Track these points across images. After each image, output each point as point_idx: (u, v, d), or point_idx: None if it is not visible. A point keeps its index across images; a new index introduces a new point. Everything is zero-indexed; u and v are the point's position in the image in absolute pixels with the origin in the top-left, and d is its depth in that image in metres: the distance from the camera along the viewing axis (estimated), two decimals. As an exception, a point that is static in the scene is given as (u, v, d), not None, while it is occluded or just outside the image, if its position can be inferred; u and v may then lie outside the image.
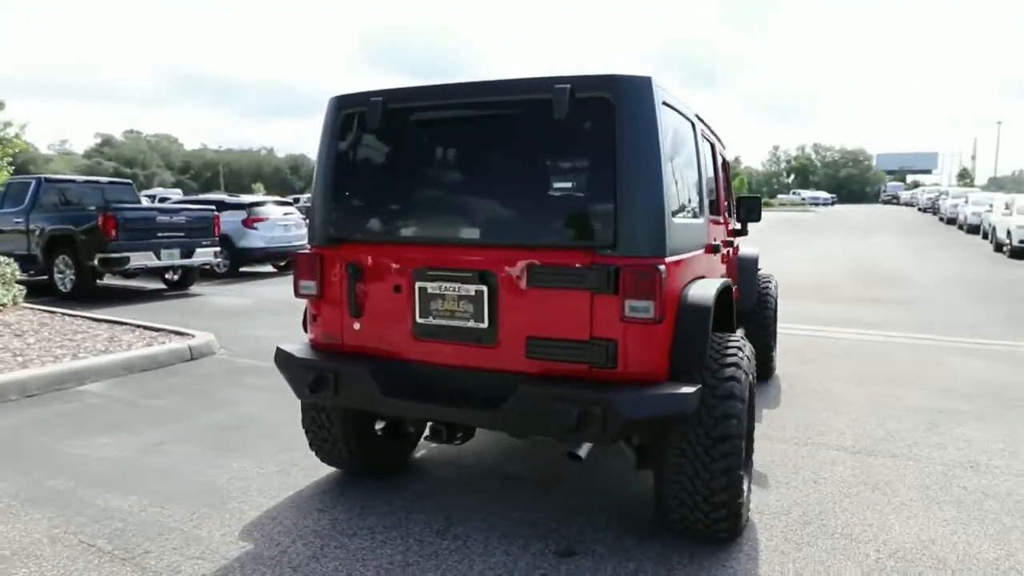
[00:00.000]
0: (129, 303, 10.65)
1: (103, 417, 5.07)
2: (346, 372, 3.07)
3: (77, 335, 7.49)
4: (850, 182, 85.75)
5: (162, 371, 6.47)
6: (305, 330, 3.63)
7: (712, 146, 4.28)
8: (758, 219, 5.17)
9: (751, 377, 3.05)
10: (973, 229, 24.01)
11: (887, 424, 4.84)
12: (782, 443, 4.46)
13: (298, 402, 5.32)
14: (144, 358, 6.59)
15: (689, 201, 3.25)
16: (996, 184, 63.76)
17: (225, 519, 3.44)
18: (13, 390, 5.53)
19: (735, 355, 2.98)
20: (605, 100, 2.68)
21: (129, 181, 13.59)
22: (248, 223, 14.11)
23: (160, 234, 11.16)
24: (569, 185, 2.86)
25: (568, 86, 2.70)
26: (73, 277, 10.89)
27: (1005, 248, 17.44)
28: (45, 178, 12.13)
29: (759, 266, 5.64)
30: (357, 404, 3.21)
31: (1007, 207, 18.18)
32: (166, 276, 12.23)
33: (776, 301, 6.00)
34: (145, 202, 17.43)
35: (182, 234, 11.46)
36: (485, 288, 2.85)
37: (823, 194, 65.57)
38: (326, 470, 4.04)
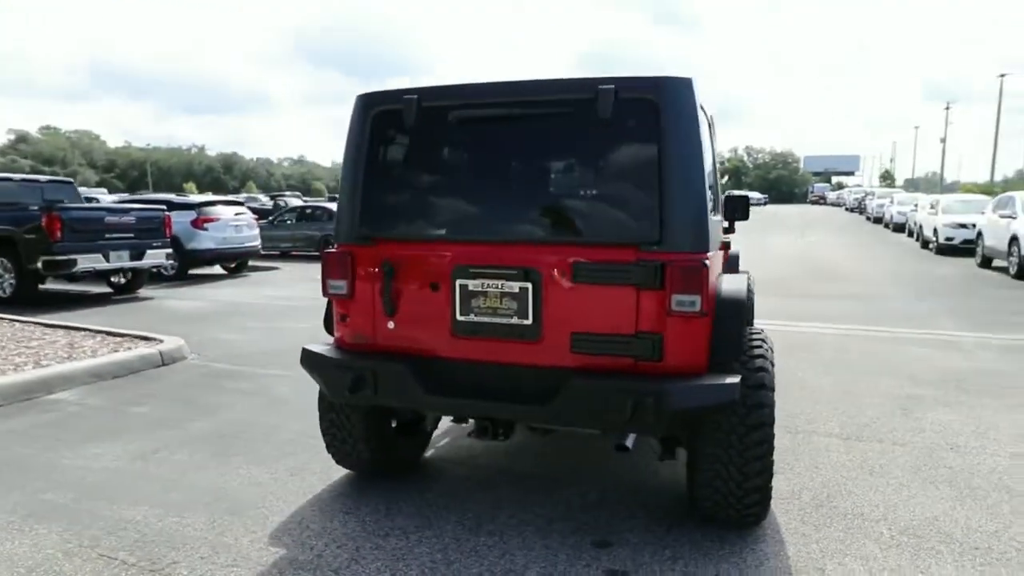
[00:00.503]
0: (77, 308, 10.14)
1: (86, 426, 4.84)
2: (385, 371, 3.06)
3: (33, 342, 7.11)
4: (780, 183, 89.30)
5: (134, 378, 6.22)
6: (328, 331, 3.58)
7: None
8: (745, 217, 5.38)
9: (775, 367, 3.20)
10: (899, 227, 25.40)
11: (866, 412, 5.12)
12: (775, 431, 4.65)
13: (290, 407, 5.32)
14: (114, 365, 6.31)
15: (714, 199, 3.38)
16: (912, 185, 67.65)
17: (249, 525, 3.36)
18: (-21, 401, 5.21)
19: (761, 346, 3.12)
20: (649, 101, 2.77)
21: (70, 180, 12.92)
22: (198, 224, 13.63)
23: (108, 235, 10.67)
24: (612, 183, 2.93)
25: (613, 87, 2.78)
26: (13, 281, 10.28)
27: (931, 245, 18.57)
28: (-22, 176, 11.42)
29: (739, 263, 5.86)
30: (397, 403, 3.20)
31: (932, 207, 19.34)
32: (111, 279, 11.70)
33: (754, 296, 6.24)
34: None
35: (131, 235, 10.98)
36: (529, 285, 2.89)
37: (756, 194, 68.01)
38: (338, 473, 3.99)
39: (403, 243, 3.14)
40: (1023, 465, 4.06)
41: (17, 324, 8.03)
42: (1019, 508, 3.51)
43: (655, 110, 2.76)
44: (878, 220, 30.87)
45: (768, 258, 16.55)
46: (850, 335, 7.95)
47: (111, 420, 4.99)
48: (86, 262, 10.31)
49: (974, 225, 15.86)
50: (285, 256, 18.40)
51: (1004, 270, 13.28)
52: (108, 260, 10.61)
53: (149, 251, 11.20)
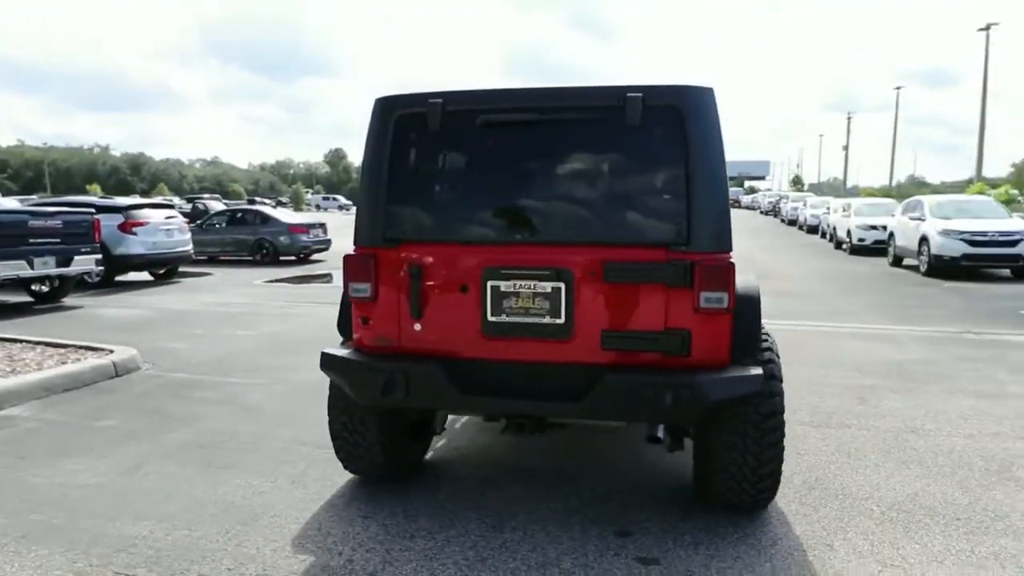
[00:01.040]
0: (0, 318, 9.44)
1: (49, 443, 4.56)
2: (418, 373, 3.07)
3: (-36, 356, 6.59)
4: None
5: (88, 390, 5.88)
6: (343, 333, 3.54)
7: None
8: None
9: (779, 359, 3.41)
10: (812, 229, 26.97)
11: (828, 401, 5.48)
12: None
13: (267, 415, 5.19)
14: (65, 377, 5.95)
15: None
16: (816, 189, 71.84)
17: (267, 536, 3.28)
18: (-78, 420, 4.81)
19: (767, 340, 3.33)
20: (674, 108, 2.91)
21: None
22: (126, 228, 12.93)
23: (32, 240, 9.98)
24: (640, 186, 3.05)
25: (640, 95, 2.90)
26: (-77, 291, 9.45)
27: (845, 246, 19.86)
28: None
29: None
30: (430, 404, 3.21)
31: (845, 210, 20.68)
32: (32, 288, 10.94)
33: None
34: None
35: (58, 240, 10.31)
36: (562, 285, 2.97)
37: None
38: (342, 479, 3.94)
39: (431, 245, 3.16)
40: (977, 444, 4.47)
41: (-61, 337, 7.42)
42: (984, 482, 3.88)
43: (680, 117, 2.90)
44: (792, 223, 32.63)
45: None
46: (796, 330, 8.42)
47: (76, 435, 4.72)
48: (7, 269, 9.60)
49: (885, 227, 17.08)
50: (214, 261, 17.69)
51: (915, 268, 14.39)
52: (33, 267, 9.91)
53: (77, 257, 10.54)
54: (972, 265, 13.06)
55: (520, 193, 3.13)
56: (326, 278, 14.80)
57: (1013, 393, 5.65)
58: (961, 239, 13.02)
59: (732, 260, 2.91)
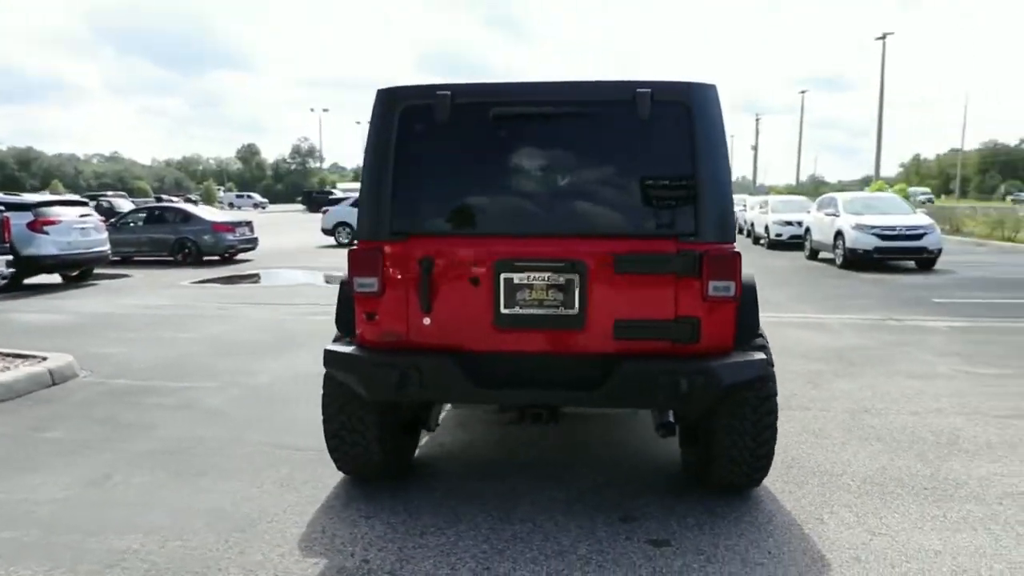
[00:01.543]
0: (-102, 327, 8.58)
1: (-1, 457, 4.22)
2: (432, 367, 3.03)
3: None
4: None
5: (24, 400, 5.46)
6: (342, 329, 3.44)
7: None
8: None
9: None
10: (730, 226, 28.18)
11: (784, 385, 5.64)
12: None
13: (231, 420, 4.99)
14: (-3, 387, 5.49)
15: None
16: (728, 188, 74.95)
17: (269, 541, 3.17)
18: None
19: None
20: (681, 103, 3.01)
21: None
22: (36, 226, 12.01)
23: (-67, 241, 9.13)
24: (649, 179, 3.13)
25: (649, 90, 2.99)
26: None
27: (762, 241, 20.92)
28: None
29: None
30: (444, 398, 3.18)
31: (763, 207, 21.76)
32: (-69, 292, 10.02)
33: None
34: None
35: (-38, 240, 9.48)
36: (576, 276, 3.02)
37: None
38: (332, 481, 3.85)
39: (441, 238, 3.13)
40: (924, 421, 4.83)
41: None
42: (939, 454, 4.21)
43: (688, 112, 3.01)
44: (710, 219, 33.89)
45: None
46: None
47: (23, 448, 4.38)
48: (-95, 272, 8.76)
49: (800, 223, 18.09)
50: (129, 262, 16.67)
51: (831, 261, 15.31)
52: (-66, 269, 9.07)
53: (-15, 258, 9.71)
54: (882, 257, 14.04)
55: (531, 186, 3.16)
56: (255, 278, 14.28)
57: (942, 374, 6.14)
58: (873, 233, 13.97)
59: (737, 250, 3.04)
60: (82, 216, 13.01)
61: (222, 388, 5.76)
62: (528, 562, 2.97)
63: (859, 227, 14.16)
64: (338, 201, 23.58)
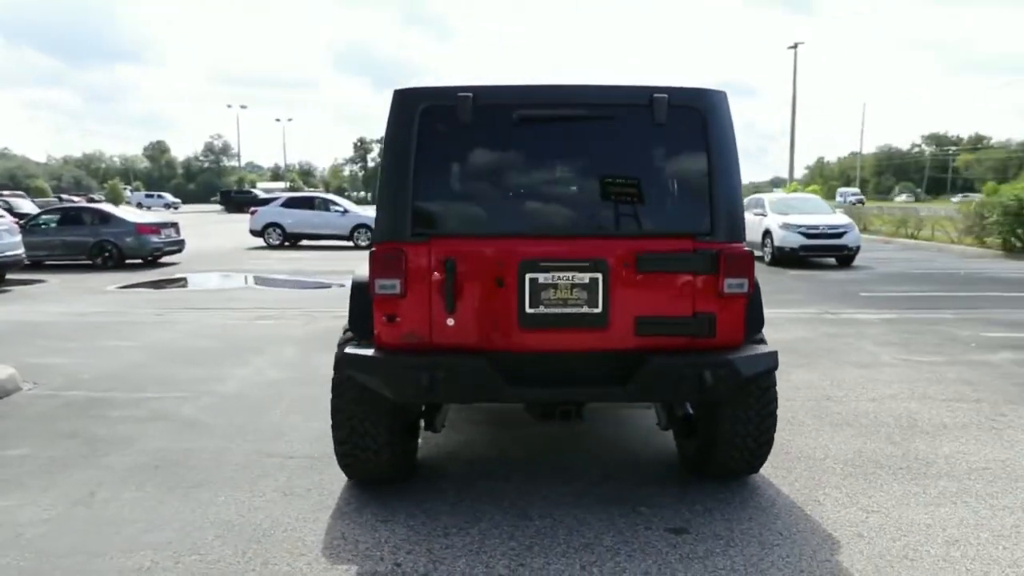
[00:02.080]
0: None
1: (-39, 479, 3.91)
2: (463, 367, 3.04)
3: None
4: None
5: (-31, 417, 5.06)
6: (358, 332, 3.39)
7: None
8: None
9: None
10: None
11: (747, 377, 6.07)
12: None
13: (212, 429, 4.84)
14: (-63, 404, 5.06)
15: None
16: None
17: (291, 550, 3.10)
18: None
19: None
20: (695, 109, 3.15)
21: None
22: (-58, 229, 11.07)
23: None
24: (666, 180, 3.25)
25: (666, 95, 3.11)
26: None
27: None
28: None
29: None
30: (473, 399, 3.19)
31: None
32: None
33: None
34: None
35: None
36: (599, 276, 3.10)
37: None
38: (337, 486, 3.79)
39: (464, 239, 3.15)
40: (882, 407, 5.21)
41: None
42: (904, 436, 4.56)
43: (701, 117, 3.15)
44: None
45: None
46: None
47: (-10, 467, 4.08)
48: None
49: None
50: (40, 267, 15.58)
51: (759, 259, 16.06)
52: None
53: None
54: (807, 255, 14.90)
55: (552, 186, 3.23)
56: (186, 283, 13.68)
57: (886, 362, 6.61)
58: (799, 232, 14.80)
59: (749, 249, 3.21)
60: (-6, 218, 12.07)
61: (192, 397, 5.52)
62: (559, 556, 3.04)
63: (786, 226, 14.96)
64: (267, 201, 22.83)
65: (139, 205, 60.45)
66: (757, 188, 59.27)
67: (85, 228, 15.96)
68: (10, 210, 23.26)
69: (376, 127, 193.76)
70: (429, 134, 3.14)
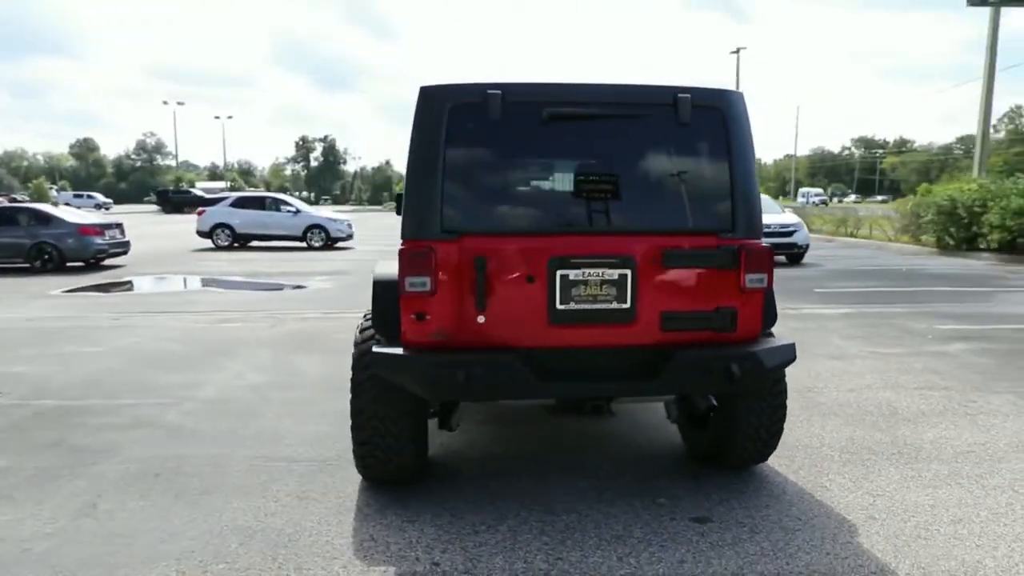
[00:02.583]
0: None
1: (-56, 494, 3.67)
2: (497, 364, 3.04)
3: None
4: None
5: (-66, 430, 4.75)
6: (384, 332, 3.35)
7: None
8: None
9: None
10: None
11: (729, 371, 6.26)
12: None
13: (201, 435, 4.76)
14: (-102, 416, 4.73)
15: None
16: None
17: (322, 554, 3.04)
18: None
19: None
20: (716, 109, 3.24)
21: None
22: None
23: None
24: (691, 178, 3.32)
25: (689, 95, 3.19)
26: None
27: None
28: None
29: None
30: (508, 395, 3.18)
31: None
32: None
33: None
34: None
35: None
36: (628, 272, 3.15)
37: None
38: (351, 489, 3.74)
39: (494, 237, 3.14)
40: (861, 396, 5.45)
41: None
42: (888, 423, 4.79)
43: (722, 116, 3.25)
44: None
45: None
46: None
47: (-27, 481, 3.84)
48: None
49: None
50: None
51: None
52: None
53: None
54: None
55: (580, 184, 3.26)
56: (135, 286, 13.14)
57: (855, 355, 6.92)
58: (752, 231, 15.28)
59: (768, 245, 3.32)
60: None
61: (173, 404, 5.32)
62: (594, 548, 3.08)
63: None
64: (214, 201, 22.10)
65: (66, 205, 57.59)
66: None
67: (21, 229, 15.12)
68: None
69: (319, 126, 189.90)
70: (458, 132, 3.13)
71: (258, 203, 21.95)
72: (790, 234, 15.46)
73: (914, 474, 3.92)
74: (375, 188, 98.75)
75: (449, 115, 3.12)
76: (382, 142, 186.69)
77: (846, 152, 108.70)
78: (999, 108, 79.44)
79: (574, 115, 3.19)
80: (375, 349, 3.19)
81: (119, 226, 16.48)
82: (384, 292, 3.37)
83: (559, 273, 3.13)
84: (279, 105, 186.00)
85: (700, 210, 3.30)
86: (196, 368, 6.47)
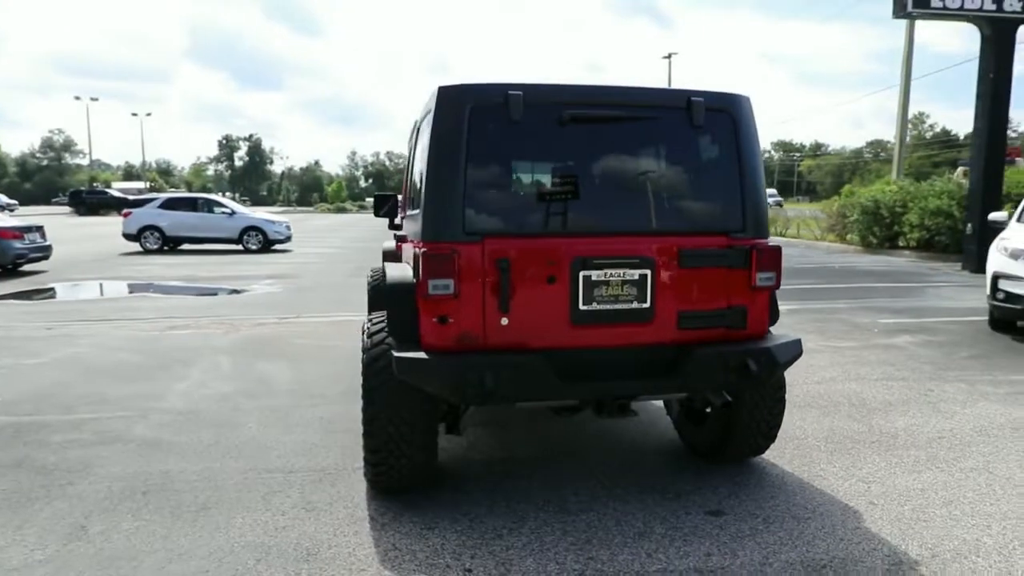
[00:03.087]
0: None
1: (-93, 524, 3.35)
2: (525, 366, 3.02)
3: None
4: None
5: None
6: (401, 337, 3.26)
7: None
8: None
9: None
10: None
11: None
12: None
13: (179, 449, 4.59)
14: None
15: None
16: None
17: (348, 567, 2.95)
18: None
19: None
20: (726, 112, 3.33)
21: None
22: None
23: None
24: (704, 180, 3.40)
25: (702, 99, 3.27)
26: None
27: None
28: None
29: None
30: (535, 396, 3.16)
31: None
32: None
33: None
34: None
35: None
36: (648, 272, 3.20)
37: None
38: (359, 499, 3.64)
39: (517, 238, 3.13)
40: (830, 389, 5.72)
41: None
42: (861, 413, 5.04)
43: (732, 120, 3.34)
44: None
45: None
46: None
47: (-64, 508, 3.52)
48: None
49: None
50: None
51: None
52: None
53: None
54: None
55: (599, 185, 3.28)
56: (58, 292, 12.36)
57: (812, 349, 7.21)
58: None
59: (777, 244, 3.44)
60: None
61: (138, 416, 5.04)
62: (620, 546, 3.11)
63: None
64: (143, 203, 21.03)
65: (-34, 207, 53.53)
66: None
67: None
68: None
69: (243, 124, 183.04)
70: (480, 134, 3.10)
71: (190, 204, 21.02)
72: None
73: (897, 460, 4.15)
74: (304, 188, 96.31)
75: (470, 116, 3.09)
76: (310, 141, 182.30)
77: (766, 155, 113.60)
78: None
79: (594, 117, 3.22)
80: (397, 354, 3.12)
81: (39, 229, 15.46)
82: (399, 296, 3.30)
83: (582, 274, 3.14)
84: (199, 102, 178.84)
85: (712, 211, 3.38)
86: (153, 378, 6.15)
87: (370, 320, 3.60)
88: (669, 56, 40.22)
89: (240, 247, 20.14)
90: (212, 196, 25.00)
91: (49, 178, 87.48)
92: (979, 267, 13.75)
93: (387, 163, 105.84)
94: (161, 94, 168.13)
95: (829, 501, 3.58)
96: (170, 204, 20.72)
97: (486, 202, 3.14)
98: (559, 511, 3.46)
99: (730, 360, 3.24)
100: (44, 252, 15.30)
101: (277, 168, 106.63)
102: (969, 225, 14.26)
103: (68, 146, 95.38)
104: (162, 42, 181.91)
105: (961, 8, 13.41)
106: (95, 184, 64.04)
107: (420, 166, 3.83)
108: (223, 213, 20.58)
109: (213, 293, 12.08)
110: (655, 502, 3.57)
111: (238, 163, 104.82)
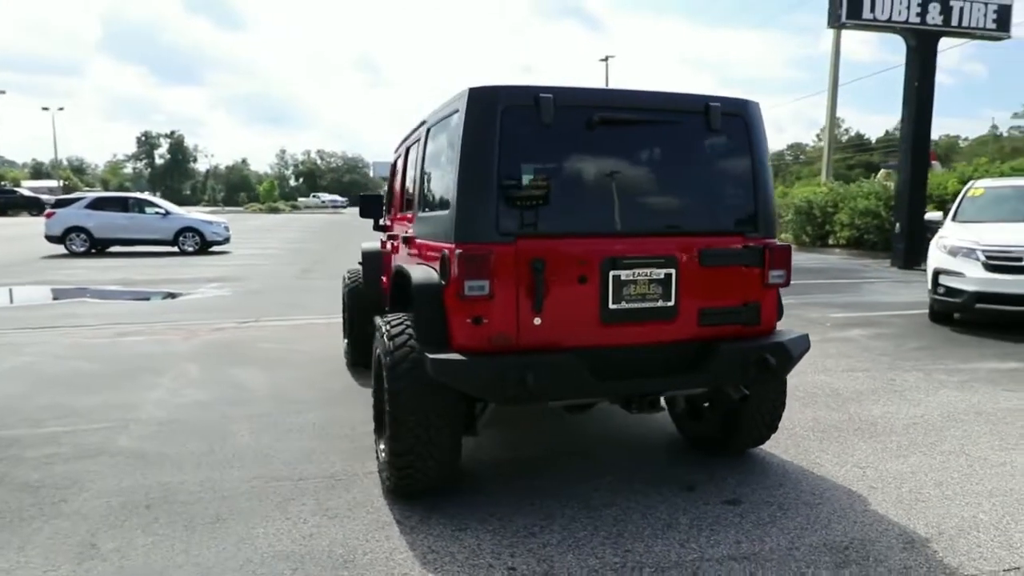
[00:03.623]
0: None
1: None
2: (559, 365, 3.06)
3: None
4: (354, 186, 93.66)
5: None
6: (428, 341, 3.24)
7: None
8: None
9: None
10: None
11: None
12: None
13: (171, 460, 4.47)
14: None
15: None
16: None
17: (388, 571, 2.92)
18: None
19: None
20: (740, 116, 3.48)
21: None
22: None
23: None
24: (721, 182, 3.53)
25: (719, 104, 3.40)
26: None
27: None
28: None
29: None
30: (571, 396, 3.20)
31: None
32: None
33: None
34: None
35: None
36: (673, 271, 3.30)
37: (338, 197, 71.38)
38: (378, 503, 3.60)
39: (550, 239, 3.17)
40: (803, 381, 5.98)
41: None
42: (836, 403, 5.32)
43: (745, 124, 3.49)
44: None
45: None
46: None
47: (-80, 533, 3.27)
48: None
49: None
50: None
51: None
52: None
53: None
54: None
55: (627, 186, 3.36)
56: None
57: (776, 342, 7.56)
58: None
59: (788, 243, 3.61)
60: None
61: (118, 427, 4.80)
62: (651, 538, 3.19)
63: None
64: (69, 202, 19.86)
65: None
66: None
67: None
68: None
69: (163, 121, 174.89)
70: (512, 135, 3.13)
71: (120, 204, 20.00)
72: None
73: (882, 446, 4.41)
74: (231, 188, 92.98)
75: (502, 117, 3.11)
76: (236, 139, 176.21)
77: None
78: (822, 121, 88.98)
79: (621, 120, 3.29)
80: (433, 356, 3.10)
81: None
82: (428, 297, 3.29)
83: (611, 273, 3.22)
84: (114, 97, 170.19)
85: (729, 211, 3.53)
86: (119, 388, 5.86)
87: (389, 323, 3.56)
88: (606, 59, 41.23)
89: (175, 249, 19.34)
90: (144, 195, 23.89)
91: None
92: (907, 263, 14.70)
93: (318, 162, 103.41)
94: (73, 88, 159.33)
95: (832, 487, 3.78)
96: (98, 204, 19.64)
97: (518, 203, 3.17)
98: (584, 507, 3.52)
99: (751, 355, 3.38)
100: (-38, 255, 14.25)
101: (201, 167, 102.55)
102: (898, 224, 15.19)
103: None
104: (73, 33, 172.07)
105: (889, 20, 14.29)
106: (3, 183, 59.85)
107: (435, 168, 3.82)
108: (156, 213, 19.70)
109: (159, 297, 11.57)
110: (673, 494, 3.68)
111: (159, 161, 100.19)
